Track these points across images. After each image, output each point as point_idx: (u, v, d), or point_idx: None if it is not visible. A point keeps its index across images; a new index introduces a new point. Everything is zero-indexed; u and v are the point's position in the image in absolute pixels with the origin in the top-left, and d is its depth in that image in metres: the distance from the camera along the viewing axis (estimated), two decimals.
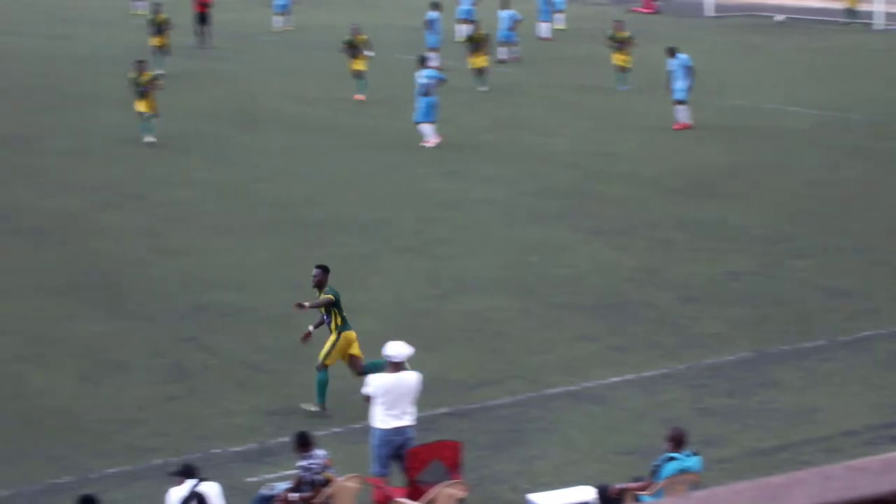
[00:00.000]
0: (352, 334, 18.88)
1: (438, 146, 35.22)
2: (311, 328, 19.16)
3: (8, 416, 19.08)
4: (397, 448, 15.92)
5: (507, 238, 27.38)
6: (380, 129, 37.81)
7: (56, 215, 29.30)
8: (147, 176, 32.72)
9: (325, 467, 15.49)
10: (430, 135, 35.69)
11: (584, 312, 23.06)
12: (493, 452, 17.60)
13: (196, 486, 14.69)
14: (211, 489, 14.74)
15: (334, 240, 27.29)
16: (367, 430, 16.24)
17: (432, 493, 15.43)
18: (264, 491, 15.62)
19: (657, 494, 15.03)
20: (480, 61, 43.60)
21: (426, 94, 35.72)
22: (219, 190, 31.38)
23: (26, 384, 20.24)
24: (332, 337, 18.83)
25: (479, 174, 32.68)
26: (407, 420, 16.02)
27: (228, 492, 15.01)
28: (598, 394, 19.64)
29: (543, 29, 56.28)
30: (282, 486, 15.63)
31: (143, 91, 35.65)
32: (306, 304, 19.03)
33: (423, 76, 36.10)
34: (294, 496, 15.35)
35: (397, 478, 15.95)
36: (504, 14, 50.07)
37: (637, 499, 15.11)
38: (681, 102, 37.47)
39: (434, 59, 44.26)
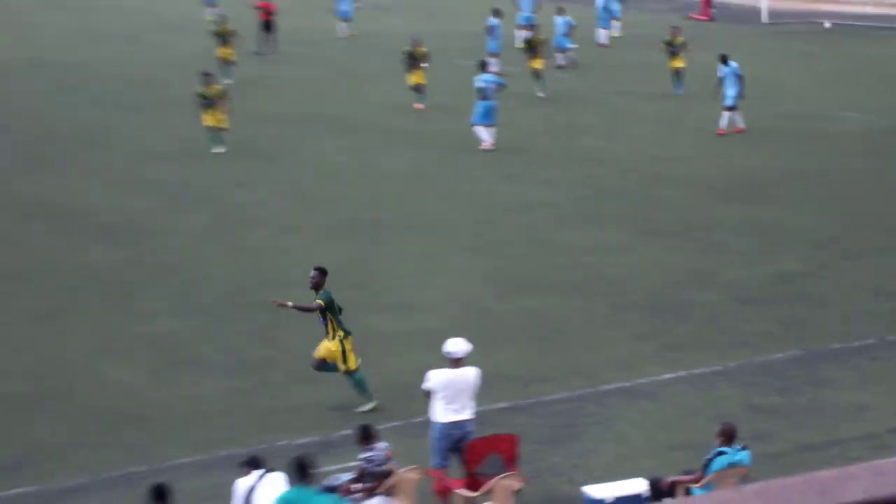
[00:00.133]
0: (350, 339, 18.86)
1: (496, 149, 35.21)
2: (290, 304, 19.05)
3: (87, 408, 19.30)
4: (456, 441, 15.96)
5: (565, 239, 27.37)
6: (441, 133, 37.84)
7: (129, 215, 29.52)
8: (217, 178, 32.91)
9: (386, 459, 15.54)
10: (485, 137, 35.72)
11: (638, 311, 23.02)
12: (549, 446, 17.62)
13: (263, 476, 14.78)
14: (277, 479, 14.82)
15: (398, 239, 27.36)
16: (428, 423, 16.29)
17: (490, 484, 15.47)
18: (328, 482, 15.68)
19: (707, 487, 15.01)
20: (537, 63, 43.54)
21: (484, 97, 35.77)
22: (286, 191, 31.52)
23: (103, 378, 20.45)
24: (336, 345, 18.76)
25: (538, 177, 32.66)
26: (466, 414, 16.05)
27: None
28: (651, 390, 19.62)
29: (602, 35, 56.06)
30: (345, 477, 15.70)
31: (211, 104, 35.28)
32: (289, 303, 18.95)
33: (481, 80, 36.16)
34: (356, 487, 15.41)
35: (456, 470, 15.99)
36: (560, 20, 49.97)
37: (688, 491, 15.09)
38: (730, 109, 37.37)
39: (494, 65, 44.19)
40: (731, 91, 37.28)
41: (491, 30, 48.77)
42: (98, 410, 19.15)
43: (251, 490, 14.72)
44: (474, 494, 15.53)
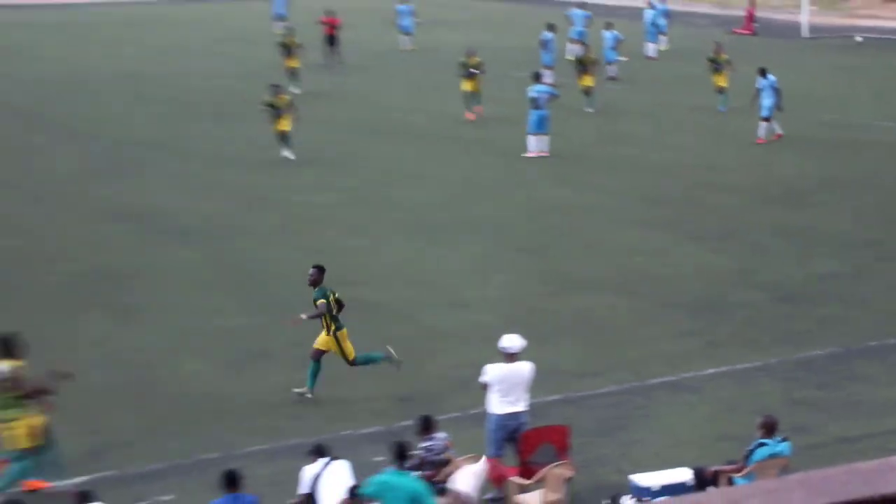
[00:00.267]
0: (344, 332, 18.91)
1: (549, 157, 35.15)
2: (303, 316, 19.09)
3: (163, 398, 19.37)
4: (511, 432, 15.93)
5: (614, 241, 27.28)
6: (497, 141, 37.80)
7: (202, 217, 29.65)
8: (286, 182, 33.00)
9: (445, 448, 15.52)
10: (532, 147, 35.69)
11: (684, 310, 22.90)
12: (598, 437, 17.54)
13: (328, 463, 14.80)
14: (342, 467, 14.84)
15: (455, 240, 27.35)
16: (484, 415, 16.26)
17: (542, 472, 15.44)
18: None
19: (749, 477, 14.91)
20: (588, 81, 43.35)
21: (537, 107, 35.74)
22: (352, 194, 31.57)
23: (179, 370, 20.53)
24: (332, 339, 18.83)
25: (589, 183, 32.58)
26: (520, 406, 16.02)
27: (357, 469, 15.09)
28: (695, 385, 19.50)
29: (650, 49, 55.90)
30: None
31: (281, 113, 35.39)
32: (303, 315, 18.97)
33: (534, 90, 36.15)
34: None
35: (510, 459, 15.95)
36: (608, 34, 49.85)
37: (731, 481, 14.99)
38: (766, 119, 37.28)
39: (548, 77, 44.13)
40: (766, 102, 37.22)
41: (545, 44, 48.72)
42: (174, 401, 19.23)
43: (317, 477, 14.75)
44: (528, 482, 15.50)
